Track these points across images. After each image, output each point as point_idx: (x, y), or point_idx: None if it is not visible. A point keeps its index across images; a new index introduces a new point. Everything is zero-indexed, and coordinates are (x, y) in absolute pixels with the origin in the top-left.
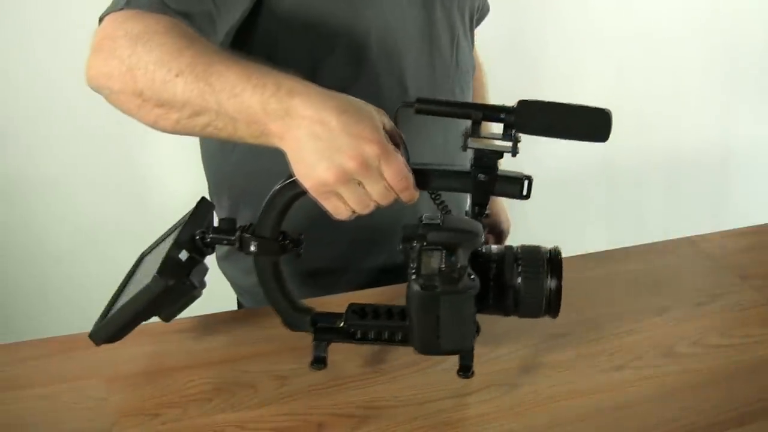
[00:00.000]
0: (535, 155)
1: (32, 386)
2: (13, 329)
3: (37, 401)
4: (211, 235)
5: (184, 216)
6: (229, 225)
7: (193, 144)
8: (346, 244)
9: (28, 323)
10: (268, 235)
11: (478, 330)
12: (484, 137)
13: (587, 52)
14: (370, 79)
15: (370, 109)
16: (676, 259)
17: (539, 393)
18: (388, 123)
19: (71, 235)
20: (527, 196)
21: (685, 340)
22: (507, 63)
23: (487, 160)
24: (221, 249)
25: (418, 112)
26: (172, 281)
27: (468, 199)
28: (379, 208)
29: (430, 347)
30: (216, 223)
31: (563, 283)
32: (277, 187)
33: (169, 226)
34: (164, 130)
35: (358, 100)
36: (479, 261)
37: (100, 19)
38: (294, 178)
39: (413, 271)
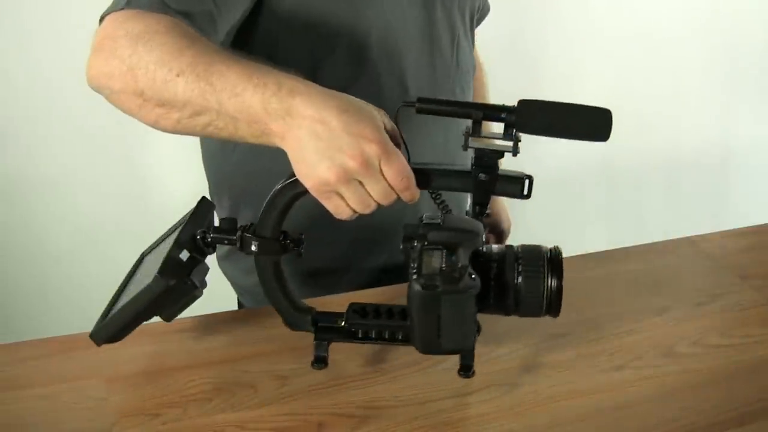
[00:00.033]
0: (535, 155)
1: (32, 386)
2: (13, 329)
3: (37, 401)
4: (212, 235)
5: (185, 216)
6: (230, 225)
7: (193, 144)
8: (346, 244)
9: (28, 323)
10: (269, 235)
11: (478, 329)
12: (485, 137)
13: (587, 52)
14: (371, 79)
15: (371, 108)
16: (676, 259)
17: (539, 393)
18: (389, 123)
19: (71, 235)
20: (528, 196)
21: (685, 340)
22: (507, 63)
23: (488, 159)
24: (221, 249)
25: (419, 111)
26: (173, 281)
27: (468, 199)
28: (379, 208)
29: (431, 347)
30: (216, 223)
31: (563, 283)
32: (278, 186)
33: (170, 226)
34: (165, 130)
35: (358, 100)
36: (480, 260)
37: (101, 19)
38: (295, 178)
39: (414, 270)
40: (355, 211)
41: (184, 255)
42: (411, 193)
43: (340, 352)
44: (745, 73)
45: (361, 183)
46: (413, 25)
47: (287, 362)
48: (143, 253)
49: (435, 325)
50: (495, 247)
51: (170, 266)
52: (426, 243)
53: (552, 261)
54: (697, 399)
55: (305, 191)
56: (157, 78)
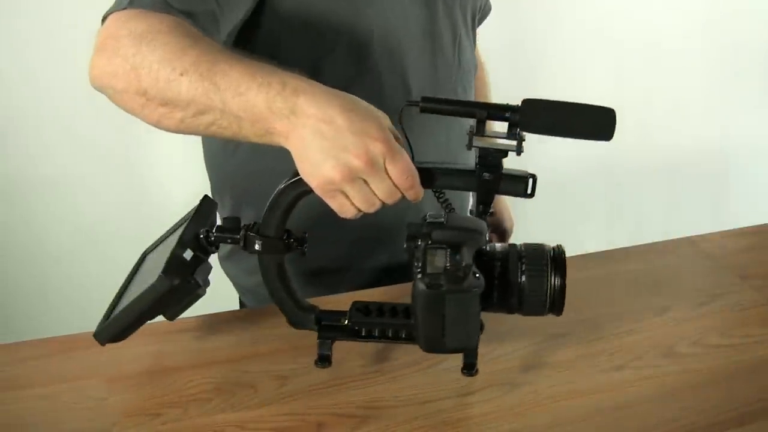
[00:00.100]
0: (536, 155)
1: (32, 386)
2: (13, 329)
3: (37, 401)
4: (215, 234)
5: (187, 214)
6: (233, 224)
7: (193, 144)
8: (349, 244)
9: (28, 323)
10: (273, 234)
11: (482, 328)
12: (489, 136)
13: (587, 52)
14: (373, 78)
15: (375, 109)
16: (676, 259)
17: (539, 393)
18: (390, 125)
19: (71, 235)
20: (531, 195)
21: (685, 340)
22: (507, 63)
23: (492, 158)
24: (224, 248)
25: (423, 111)
26: (177, 280)
27: (471, 198)
28: (384, 207)
29: (435, 345)
30: (219, 223)
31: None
32: (282, 185)
33: (171, 225)
34: (168, 130)
35: (361, 100)
36: (483, 259)
37: (103, 19)
38: (299, 177)
39: (418, 269)
40: (359, 210)
41: (188, 254)
42: (415, 192)
43: (340, 351)
44: (745, 74)
45: (365, 182)
46: (415, 23)
47: (287, 362)
48: (145, 251)
49: (439, 324)
50: (498, 246)
51: (174, 265)
52: (430, 242)
53: (555, 260)
54: (697, 399)
55: (309, 190)
56: (160, 77)
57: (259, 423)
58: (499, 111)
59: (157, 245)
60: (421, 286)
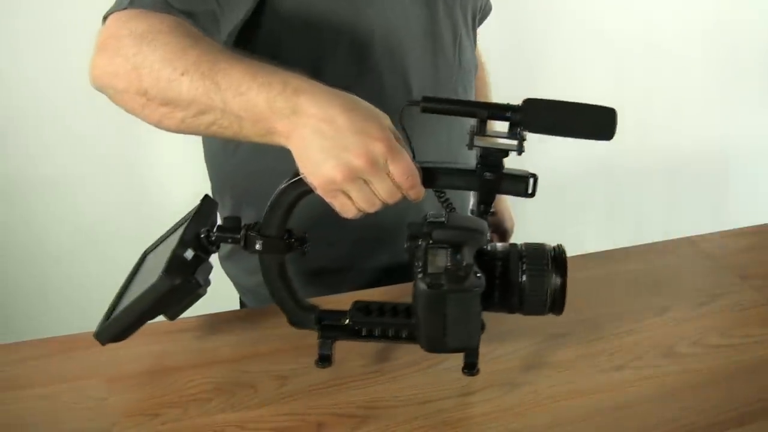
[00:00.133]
0: (536, 155)
1: (32, 386)
2: (13, 329)
3: (37, 401)
4: (216, 234)
5: (188, 214)
6: (234, 223)
7: (193, 144)
8: (350, 244)
9: (28, 323)
10: (274, 234)
11: (483, 327)
12: (490, 136)
13: (587, 52)
14: (374, 78)
15: (376, 109)
16: (676, 259)
17: (539, 393)
18: (390, 125)
19: (71, 235)
20: (532, 195)
21: (685, 340)
22: (507, 64)
23: (493, 158)
24: (224, 248)
25: (424, 110)
26: (178, 280)
27: (471, 198)
28: (385, 207)
29: (436, 345)
30: (219, 222)
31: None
32: (283, 185)
33: (171, 225)
34: (169, 129)
35: (362, 100)
36: (484, 259)
37: (104, 19)
38: (299, 177)
39: (419, 269)
40: (361, 210)
41: (189, 254)
42: (416, 191)
43: (340, 352)
44: (745, 74)
45: (366, 182)
46: (415, 23)
47: (287, 362)
48: (145, 251)
49: (440, 324)
50: (499, 245)
51: (175, 265)
52: (431, 242)
53: (556, 259)
54: (697, 399)
55: (310, 190)
56: (161, 77)
57: (259, 423)
58: (500, 111)
59: (158, 245)
60: (423, 285)
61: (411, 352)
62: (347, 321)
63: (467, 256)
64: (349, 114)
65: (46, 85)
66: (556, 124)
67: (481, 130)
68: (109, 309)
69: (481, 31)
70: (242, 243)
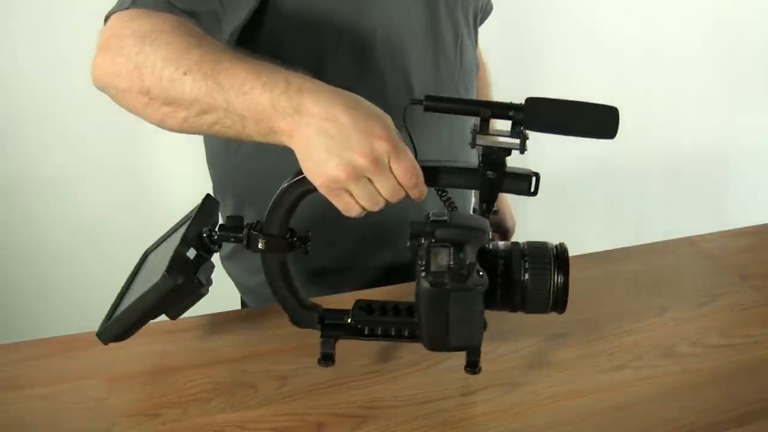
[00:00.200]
0: (536, 156)
1: (32, 386)
2: (13, 329)
3: (37, 401)
4: (218, 233)
5: (189, 213)
6: (236, 222)
7: (194, 144)
8: (351, 243)
9: (28, 323)
10: (276, 233)
11: (485, 326)
12: (493, 134)
13: (587, 52)
14: (375, 78)
15: (377, 108)
16: (676, 259)
17: (539, 393)
18: (393, 125)
19: (71, 235)
20: (535, 193)
21: (685, 340)
22: (507, 63)
23: (496, 157)
24: (225, 248)
25: (427, 109)
26: (180, 279)
27: (473, 197)
28: (387, 205)
29: (438, 344)
30: (221, 221)
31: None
32: (285, 184)
33: (173, 224)
34: (171, 129)
35: (364, 99)
36: (487, 258)
37: (106, 19)
38: (302, 176)
39: (422, 268)
40: (364, 209)
41: (191, 253)
42: (419, 190)
43: (340, 351)
44: (745, 74)
45: (369, 180)
46: (417, 23)
47: (287, 362)
48: (146, 251)
49: (443, 322)
50: (501, 244)
51: (178, 264)
52: (433, 240)
53: (558, 258)
54: (697, 399)
55: (313, 189)
56: (163, 76)
57: (259, 423)
58: (502, 109)
59: (159, 245)
60: (425, 284)
61: (411, 352)
62: (349, 320)
63: (470, 255)
64: (353, 113)
65: (46, 85)
66: (559, 122)
67: (483, 128)
68: (110, 309)
69: (482, 31)
70: (245, 242)
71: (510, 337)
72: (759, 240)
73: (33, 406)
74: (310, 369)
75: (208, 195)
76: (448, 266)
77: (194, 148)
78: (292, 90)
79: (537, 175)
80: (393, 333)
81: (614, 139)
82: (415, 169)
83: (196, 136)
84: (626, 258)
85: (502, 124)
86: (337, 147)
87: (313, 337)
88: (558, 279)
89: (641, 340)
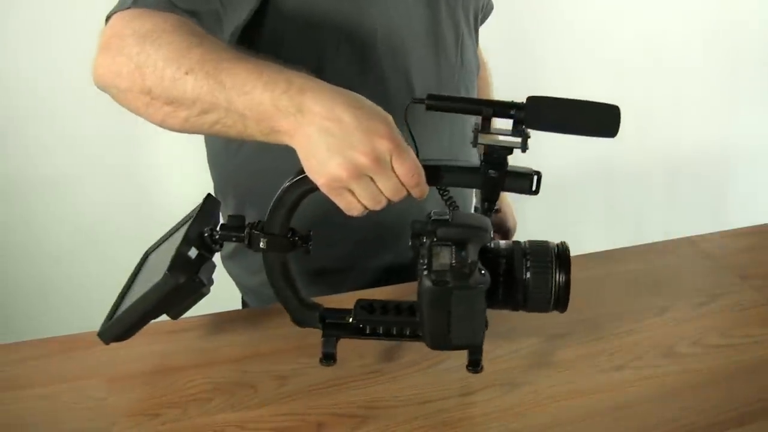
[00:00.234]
0: (535, 156)
1: (32, 386)
2: (13, 329)
3: (37, 401)
4: (220, 232)
5: (189, 213)
6: (238, 222)
7: (194, 144)
8: (352, 243)
9: (28, 323)
10: (277, 232)
11: (486, 325)
12: (494, 133)
13: (587, 52)
14: (376, 77)
15: (379, 107)
16: (676, 259)
17: (539, 393)
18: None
19: (71, 235)
20: (536, 192)
21: (685, 340)
22: (507, 63)
23: (497, 156)
24: (226, 248)
25: (429, 108)
26: (182, 278)
27: (473, 197)
28: (389, 204)
29: (440, 342)
30: (222, 221)
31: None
32: (287, 183)
33: (173, 224)
34: (172, 129)
35: (366, 98)
36: (488, 256)
37: (107, 19)
38: (303, 175)
39: (424, 266)
40: (366, 208)
41: (193, 252)
42: (421, 189)
43: (340, 352)
44: (745, 74)
45: (372, 179)
46: (418, 24)
47: (287, 362)
48: (147, 251)
49: (445, 321)
50: (503, 243)
51: (180, 263)
52: (435, 239)
53: (559, 256)
54: (697, 399)
55: (314, 188)
56: (165, 76)
57: (259, 423)
58: (504, 108)
59: (160, 245)
60: (428, 282)
61: (411, 352)
62: (351, 319)
63: (472, 254)
64: (355, 112)
65: (46, 85)
66: (560, 121)
67: (485, 127)
68: (111, 309)
69: (482, 30)
70: (246, 241)
71: (510, 337)
72: (759, 240)
73: (33, 406)
74: (310, 369)
75: (209, 195)
76: (450, 265)
77: (194, 149)
78: (293, 89)
79: (538, 173)
80: (394, 332)
81: (614, 139)
82: (417, 168)
83: (197, 135)
84: (626, 258)
85: (504, 123)
86: (339, 146)
87: (313, 337)
88: (559, 278)
89: (641, 340)
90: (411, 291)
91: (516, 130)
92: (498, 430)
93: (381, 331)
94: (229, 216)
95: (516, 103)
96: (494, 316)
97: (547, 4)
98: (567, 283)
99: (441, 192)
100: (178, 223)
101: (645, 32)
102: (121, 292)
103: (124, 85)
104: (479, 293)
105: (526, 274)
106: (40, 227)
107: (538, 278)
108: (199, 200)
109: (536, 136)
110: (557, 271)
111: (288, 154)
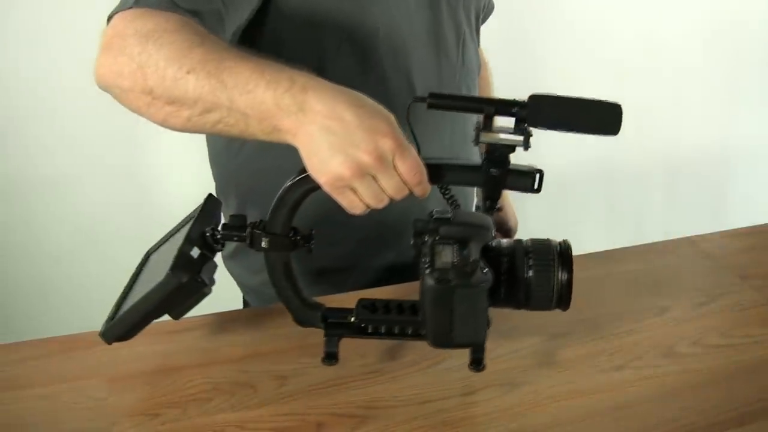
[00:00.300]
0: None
1: (32, 386)
2: (13, 329)
3: (37, 401)
4: (222, 232)
5: (190, 214)
6: (239, 221)
7: (194, 144)
8: (354, 243)
9: (28, 323)
10: (279, 231)
11: (488, 324)
12: (496, 132)
13: (587, 52)
14: (378, 77)
15: (381, 106)
16: (676, 259)
17: (539, 393)
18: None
19: (71, 235)
20: (538, 190)
21: (685, 340)
22: (506, 63)
23: (499, 154)
24: (228, 248)
25: (431, 107)
26: (185, 278)
27: (475, 196)
28: (392, 202)
29: (443, 341)
30: (224, 221)
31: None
32: (289, 183)
33: (172, 225)
34: (174, 128)
35: (368, 97)
36: (490, 255)
37: (108, 19)
38: (305, 174)
39: (426, 265)
40: (368, 206)
41: (195, 252)
42: (423, 187)
43: (340, 351)
44: (745, 74)
45: (374, 178)
46: (420, 25)
47: (288, 362)
48: (148, 251)
49: (447, 319)
50: (505, 241)
51: (182, 263)
52: (437, 238)
53: (562, 254)
54: (697, 399)
55: (316, 187)
56: (167, 76)
57: (259, 423)
58: (506, 106)
59: (161, 245)
60: (430, 281)
61: (411, 352)
62: (353, 318)
63: (474, 252)
64: (357, 110)
65: (46, 85)
66: (562, 119)
67: (487, 126)
68: (113, 309)
69: (483, 30)
70: (248, 241)
71: (510, 337)
72: (759, 240)
73: (33, 406)
74: (310, 369)
75: (210, 195)
76: (453, 263)
77: (194, 149)
78: (296, 88)
79: (540, 172)
80: (396, 331)
81: (614, 139)
82: (419, 166)
83: (198, 135)
84: (626, 258)
85: (505, 122)
86: (341, 144)
87: (314, 336)
88: (562, 276)
89: (641, 340)
90: (413, 290)
91: (518, 129)
92: (498, 430)
93: (383, 331)
94: (231, 216)
95: (518, 101)
96: (494, 315)
97: (547, 4)
98: (569, 282)
99: (442, 190)
100: (179, 224)
101: (645, 32)
102: (123, 293)
103: (125, 85)
104: (481, 292)
105: (528, 273)
106: (40, 227)
107: (540, 276)
108: (200, 200)
109: (535, 136)
110: (559, 269)
111: (290, 153)
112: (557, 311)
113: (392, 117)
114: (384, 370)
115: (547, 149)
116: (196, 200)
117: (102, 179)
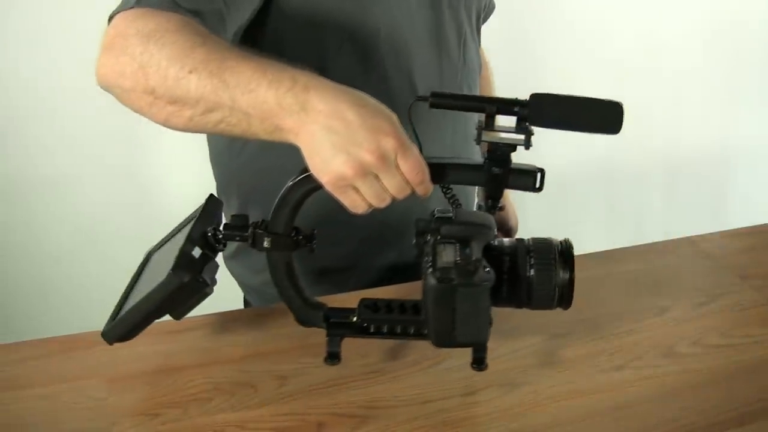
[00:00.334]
0: (535, 155)
1: (32, 386)
2: (13, 329)
3: (37, 401)
4: (224, 232)
5: (191, 214)
6: (241, 221)
7: (194, 143)
8: (356, 242)
9: (28, 323)
10: (281, 231)
11: (490, 323)
12: (497, 131)
13: (587, 52)
14: (379, 77)
15: (383, 105)
16: (676, 259)
17: (539, 393)
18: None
19: (71, 235)
20: (540, 189)
21: (685, 340)
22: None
23: (501, 153)
24: (229, 247)
25: (433, 106)
26: (187, 277)
27: (476, 195)
28: (394, 202)
29: (445, 340)
30: (225, 221)
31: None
32: (291, 182)
33: (172, 225)
34: (176, 128)
35: (370, 96)
36: (492, 254)
37: (110, 19)
38: (307, 174)
39: (429, 264)
40: (370, 205)
41: (196, 252)
42: (425, 187)
43: (342, 351)
44: (745, 74)
45: (376, 177)
46: (421, 24)
47: (288, 362)
48: (150, 251)
49: (450, 318)
50: (506, 240)
51: (184, 262)
52: (439, 237)
53: (563, 253)
54: (697, 399)
55: (318, 187)
56: (168, 75)
57: (259, 423)
58: (508, 105)
59: (162, 245)
60: (432, 280)
61: (412, 352)
62: (355, 318)
63: (476, 251)
64: (359, 110)
65: (45, 85)
66: (563, 118)
67: (488, 125)
68: (115, 309)
69: (483, 30)
70: (250, 241)
71: (510, 337)
72: (759, 240)
73: (33, 406)
74: (311, 368)
75: (211, 195)
76: (455, 262)
77: (196, 148)
78: (298, 87)
79: (542, 170)
80: (399, 331)
81: (614, 139)
82: (421, 165)
83: (199, 135)
84: (626, 258)
85: (507, 121)
86: (343, 144)
87: (315, 336)
88: (563, 274)
89: (641, 340)
90: (415, 290)
91: (519, 128)
92: (498, 430)
93: (385, 330)
94: (233, 215)
95: (519, 100)
96: (497, 314)
97: (547, 4)
98: (571, 280)
99: (444, 190)
100: (180, 224)
101: (645, 32)
102: (124, 293)
103: (127, 84)
104: (484, 290)
105: (529, 272)
106: (40, 227)
107: (542, 275)
108: (201, 200)
109: (537, 136)
110: (561, 268)
111: (292, 152)
112: (558, 311)
113: (395, 116)
114: (385, 370)
115: (547, 149)
116: (196, 200)
117: (102, 179)
